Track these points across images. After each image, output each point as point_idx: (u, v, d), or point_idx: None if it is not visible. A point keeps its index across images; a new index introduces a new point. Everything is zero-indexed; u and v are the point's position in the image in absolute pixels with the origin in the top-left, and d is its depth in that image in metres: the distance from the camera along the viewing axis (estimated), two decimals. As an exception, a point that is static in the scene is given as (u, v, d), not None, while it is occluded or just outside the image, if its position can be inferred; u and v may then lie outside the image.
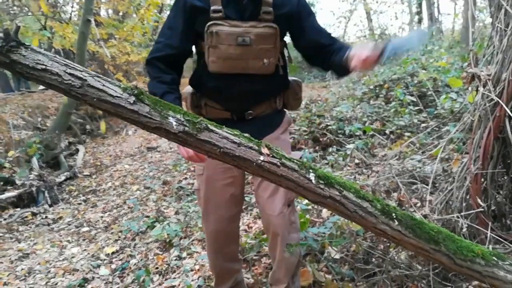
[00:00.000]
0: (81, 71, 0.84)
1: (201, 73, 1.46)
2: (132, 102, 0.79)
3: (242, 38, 1.33)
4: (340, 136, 3.72)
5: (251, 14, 1.35)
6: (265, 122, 1.52)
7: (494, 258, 1.15)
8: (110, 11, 11.49)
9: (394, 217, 1.10)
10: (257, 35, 1.34)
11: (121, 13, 10.58)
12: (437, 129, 2.76)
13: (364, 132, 3.52)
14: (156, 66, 1.42)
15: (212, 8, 1.34)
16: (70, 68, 0.83)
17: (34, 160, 5.10)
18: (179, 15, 1.41)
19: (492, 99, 1.51)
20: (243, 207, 3.01)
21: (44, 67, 0.81)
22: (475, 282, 1.44)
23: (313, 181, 1.03)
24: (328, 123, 3.95)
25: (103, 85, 0.81)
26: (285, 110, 1.62)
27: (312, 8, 1.57)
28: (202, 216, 1.65)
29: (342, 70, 1.37)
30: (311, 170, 1.03)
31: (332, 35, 1.47)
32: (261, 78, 1.41)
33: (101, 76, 0.83)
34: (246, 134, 0.99)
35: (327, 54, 1.42)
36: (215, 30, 1.32)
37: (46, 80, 0.82)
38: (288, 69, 1.57)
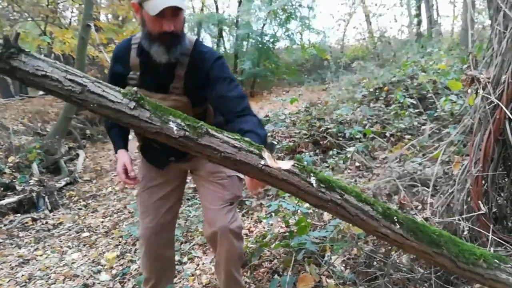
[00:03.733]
0: (81, 77, 0.84)
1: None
2: (132, 107, 0.79)
3: None
4: (341, 139, 3.72)
5: (163, 86, 1.43)
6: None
7: (496, 260, 1.15)
8: (109, 16, 11.54)
9: (396, 220, 1.10)
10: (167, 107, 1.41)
11: (120, 18, 10.61)
12: (437, 131, 2.75)
13: (365, 135, 3.53)
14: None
15: (129, 75, 1.44)
16: (70, 74, 0.83)
17: (34, 166, 5.10)
18: (109, 75, 1.55)
19: (492, 102, 1.51)
20: (244, 211, 3.02)
21: (44, 73, 0.80)
22: (477, 285, 1.43)
23: (314, 185, 1.03)
24: (328, 126, 3.95)
25: (103, 91, 0.81)
26: None
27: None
28: (140, 222, 1.71)
29: None
30: (312, 174, 1.03)
31: (239, 103, 1.40)
32: None
33: (101, 81, 0.83)
34: (247, 139, 0.99)
35: (230, 123, 1.39)
36: None
37: (46, 86, 0.82)
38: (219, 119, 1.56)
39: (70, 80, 0.82)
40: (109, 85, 0.80)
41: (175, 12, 1.30)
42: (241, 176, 1.60)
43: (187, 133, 0.84)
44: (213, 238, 1.53)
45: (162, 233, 1.67)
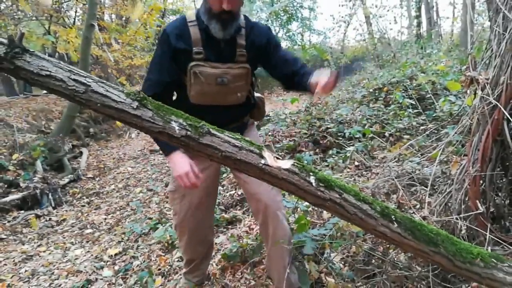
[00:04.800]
0: (85, 76, 0.86)
1: (181, 102, 1.61)
2: (135, 107, 0.81)
3: (221, 79, 1.53)
4: (340, 138, 3.74)
5: (228, 57, 1.55)
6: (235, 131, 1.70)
7: (493, 260, 1.16)
8: (113, 16, 11.57)
9: (394, 219, 1.11)
10: (233, 75, 1.55)
11: (124, 18, 10.65)
12: (436, 131, 2.77)
13: (364, 134, 3.54)
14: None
15: (194, 50, 1.51)
16: (74, 74, 0.84)
17: (38, 163, 5.14)
18: (165, 55, 1.56)
19: (490, 102, 1.52)
20: (245, 209, 3.04)
21: (48, 73, 0.82)
22: (474, 284, 1.45)
23: (314, 184, 1.04)
24: (328, 126, 3.97)
25: (107, 91, 0.83)
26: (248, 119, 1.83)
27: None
28: (178, 216, 1.80)
29: (307, 93, 1.56)
30: (311, 173, 1.05)
31: (297, 60, 1.63)
32: (235, 107, 1.64)
33: (104, 81, 0.85)
34: (248, 138, 1.01)
35: (295, 79, 1.59)
36: (198, 71, 1.51)
37: (51, 86, 0.84)
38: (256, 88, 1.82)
39: (74, 80, 0.83)
40: (112, 85, 0.82)
41: None
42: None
43: (188, 132, 0.86)
44: (265, 212, 1.64)
45: (204, 219, 1.80)
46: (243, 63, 1.56)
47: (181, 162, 1.51)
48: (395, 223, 1.11)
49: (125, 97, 0.81)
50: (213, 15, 1.45)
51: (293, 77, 1.58)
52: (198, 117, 1.62)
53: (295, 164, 1.04)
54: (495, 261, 1.15)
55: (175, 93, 1.68)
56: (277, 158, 1.02)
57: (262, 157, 0.99)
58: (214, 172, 1.77)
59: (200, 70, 1.51)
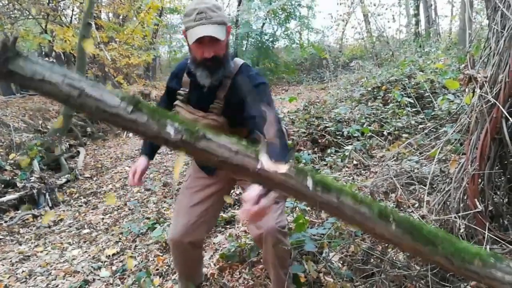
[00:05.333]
0: (80, 80, 0.84)
1: None
2: (130, 111, 0.80)
3: None
4: (339, 137, 3.74)
5: (206, 105, 1.55)
6: None
7: (491, 258, 1.15)
8: (110, 15, 11.52)
9: (392, 220, 1.11)
10: (204, 125, 1.44)
11: (121, 17, 10.60)
12: (434, 130, 2.77)
13: (362, 133, 3.54)
14: None
15: (179, 90, 1.59)
16: (68, 78, 0.83)
17: (35, 163, 5.12)
18: (165, 90, 1.74)
19: (488, 101, 1.52)
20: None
21: (41, 77, 0.80)
22: (473, 283, 1.45)
23: (310, 188, 1.04)
24: (327, 125, 3.97)
25: (101, 95, 0.82)
26: None
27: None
28: (175, 222, 1.76)
29: None
30: (308, 176, 1.04)
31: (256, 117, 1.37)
32: None
33: (99, 85, 0.84)
34: (244, 142, 1.00)
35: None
36: (177, 110, 1.59)
37: (44, 90, 0.82)
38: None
39: (68, 84, 0.82)
40: (107, 89, 0.81)
41: (213, 38, 1.38)
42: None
43: (184, 137, 0.85)
44: (260, 239, 1.57)
45: (191, 236, 1.70)
46: (216, 115, 1.53)
47: (137, 164, 1.72)
48: (393, 224, 1.10)
49: (120, 101, 0.80)
50: (198, 63, 1.46)
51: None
52: None
53: (292, 168, 1.03)
54: (493, 260, 1.14)
55: None
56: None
57: (258, 161, 0.98)
58: (218, 192, 1.71)
59: (179, 110, 1.58)
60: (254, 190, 1.05)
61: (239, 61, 1.57)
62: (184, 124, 0.83)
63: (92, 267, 2.67)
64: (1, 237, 3.60)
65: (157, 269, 2.43)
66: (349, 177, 2.81)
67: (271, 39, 12.68)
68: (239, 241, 2.40)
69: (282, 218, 1.60)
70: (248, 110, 1.44)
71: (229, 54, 1.51)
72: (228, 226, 2.81)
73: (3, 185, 4.49)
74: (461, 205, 1.62)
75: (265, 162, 0.94)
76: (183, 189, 1.79)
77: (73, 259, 2.90)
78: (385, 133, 3.50)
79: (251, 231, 1.68)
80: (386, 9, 14.67)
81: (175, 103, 1.60)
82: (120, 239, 3.13)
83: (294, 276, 1.80)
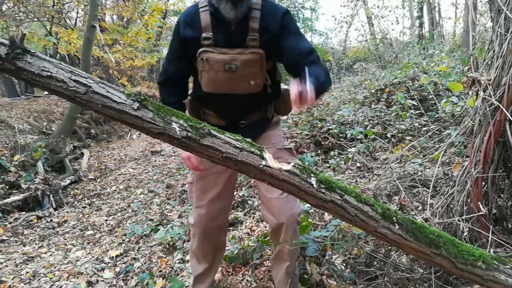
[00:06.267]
0: (86, 77, 0.85)
1: (198, 90, 1.58)
2: (136, 108, 0.81)
3: (228, 65, 1.44)
4: (342, 139, 3.74)
5: (239, 41, 1.45)
6: (256, 127, 1.64)
7: (495, 262, 1.15)
8: (114, 17, 11.60)
9: (395, 221, 1.11)
10: (243, 61, 1.45)
11: (125, 19, 10.68)
12: (438, 132, 2.76)
13: (366, 135, 3.54)
14: (162, 89, 1.65)
15: (202, 35, 1.45)
16: (75, 75, 0.84)
17: (40, 164, 5.14)
18: (174, 44, 1.56)
19: (492, 103, 1.52)
20: (246, 210, 3.04)
21: (49, 74, 0.82)
22: (476, 286, 1.44)
23: (315, 186, 1.04)
24: (330, 127, 3.96)
25: (108, 92, 0.83)
26: (274, 114, 1.71)
27: (299, 26, 1.64)
28: (194, 210, 1.73)
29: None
30: (312, 175, 1.05)
31: (306, 53, 1.46)
32: (250, 96, 1.52)
33: (105, 82, 0.85)
34: (248, 139, 1.01)
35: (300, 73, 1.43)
36: (205, 57, 1.45)
37: (52, 87, 0.84)
38: (279, 79, 1.67)
39: (75, 81, 0.83)
40: (113, 86, 0.82)
41: None
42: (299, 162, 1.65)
43: (189, 133, 0.86)
44: (279, 229, 1.57)
45: (217, 220, 1.70)
46: (255, 48, 1.45)
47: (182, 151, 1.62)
48: (396, 225, 1.10)
49: (126, 98, 0.81)
50: None
51: (296, 69, 1.42)
52: (213, 105, 1.60)
53: (296, 165, 1.03)
54: (497, 263, 1.14)
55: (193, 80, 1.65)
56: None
57: (263, 158, 0.99)
58: (232, 174, 1.69)
59: (208, 56, 1.45)
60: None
61: None
62: (190, 120, 0.84)
63: (95, 268, 2.67)
64: (6, 238, 3.62)
65: (160, 271, 2.43)
66: (352, 179, 2.81)
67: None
68: (242, 243, 2.40)
69: (298, 204, 1.62)
70: (288, 42, 1.45)
71: None
72: (231, 228, 2.81)
73: (7, 187, 4.52)
74: (465, 208, 1.61)
75: (270, 160, 0.94)
76: (197, 178, 1.71)
77: (77, 260, 2.90)
78: (388, 135, 3.49)
79: (270, 222, 1.63)
80: (390, 11, 14.66)
81: (199, 50, 1.45)
82: (123, 240, 3.14)
83: (300, 277, 1.81)
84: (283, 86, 1.70)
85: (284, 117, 5.16)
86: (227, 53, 1.44)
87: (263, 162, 0.99)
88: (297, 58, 1.45)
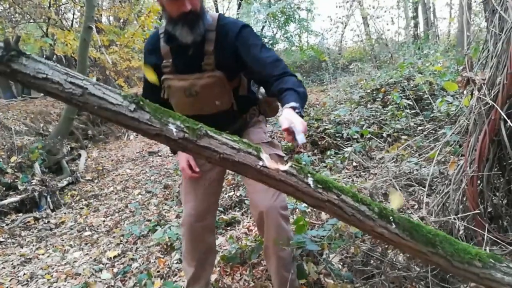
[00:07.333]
0: (82, 79, 0.85)
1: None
2: (132, 109, 0.81)
3: (189, 91, 1.46)
4: (338, 139, 3.75)
5: (196, 66, 1.45)
6: (237, 131, 1.62)
7: (491, 260, 1.16)
8: (111, 18, 11.57)
9: (391, 220, 1.12)
10: (202, 86, 1.46)
11: (122, 20, 10.65)
12: (433, 132, 2.78)
13: (362, 135, 3.55)
14: None
15: (162, 63, 1.48)
16: (70, 77, 0.84)
17: (37, 166, 5.13)
18: (145, 76, 1.55)
19: (487, 103, 1.53)
20: (244, 210, 3.04)
21: (45, 76, 0.82)
22: (473, 284, 1.45)
23: (312, 186, 1.04)
24: (326, 127, 3.98)
25: (104, 93, 0.83)
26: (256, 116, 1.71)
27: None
28: (184, 208, 1.74)
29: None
30: (309, 175, 1.05)
31: (275, 65, 1.41)
32: (221, 113, 1.53)
33: (101, 84, 0.85)
34: (245, 140, 1.01)
35: (270, 88, 1.41)
36: (167, 85, 1.49)
37: (47, 88, 0.83)
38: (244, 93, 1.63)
39: (71, 82, 0.83)
40: (110, 87, 0.82)
41: None
42: (281, 154, 1.66)
43: (186, 135, 0.86)
44: (261, 220, 1.54)
45: (204, 220, 1.70)
46: (211, 72, 1.45)
47: (180, 157, 1.65)
48: (393, 224, 1.11)
49: (122, 99, 0.81)
50: (176, 21, 1.39)
51: (268, 83, 1.42)
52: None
53: (293, 165, 1.04)
54: (493, 261, 1.15)
55: None
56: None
57: (260, 158, 0.99)
58: (218, 174, 1.72)
59: (169, 84, 1.48)
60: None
61: (214, 14, 1.51)
62: (186, 121, 0.85)
63: (93, 269, 2.67)
64: (3, 239, 3.61)
65: (158, 271, 2.43)
66: (349, 178, 2.82)
67: (271, 42, 12.71)
68: (240, 243, 2.41)
69: (282, 197, 1.56)
70: (250, 57, 1.42)
71: (204, 8, 1.45)
72: (228, 228, 2.81)
73: (4, 188, 4.50)
74: (460, 206, 1.63)
75: (267, 160, 0.95)
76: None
77: (75, 261, 2.90)
78: (384, 135, 3.51)
79: (252, 213, 1.65)
80: (385, 11, 14.69)
81: (162, 78, 1.48)
82: (121, 241, 3.13)
83: (298, 272, 1.80)
84: (262, 90, 1.70)
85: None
86: (186, 79, 1.46)
87: (260, 163, 0.99)
88: (262, 70, 1.41)
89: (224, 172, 1.80)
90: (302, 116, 1.18)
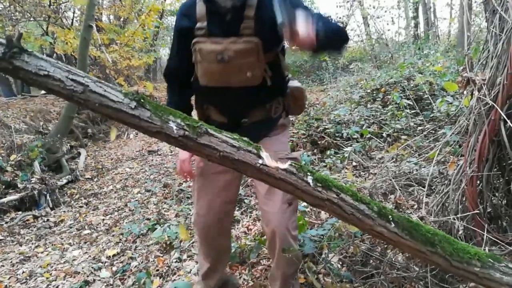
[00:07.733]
0: (83, 76, 0.86)
1: (196, 83, 1.52)
2: (133, 107, 0.81)
3: (221, 56, 1.37)
4: (338, 139, 3.76)
5: (233, 30, 1.37)
6: (259, 127, 1.55)
7: (490, 260, 1.16)
8: (111, 17, 11.57)
9: (391, 219, 1.12)
10: (236, 51, 1.37)
11: (122, 19, 10.65)
12: (433, 132, 2.79)
13: (362, 135, 3.56)
14: (168, 84, 1.65)
15: (196, 26, 1.41)
16: (72, 74, 0.84)
17: (36, 164, 5.12)
18: (174, 37, 1.53)
19: (487, 103, 1.53)
20: (243, 209, 3.04)
21: (46, 73, 0.82)
22: (472, 284, 1.45)
23: (311, 184, 1.05)
24: (326, 126, 3.98)
25: (105, 91, 0.83)
26: (281, 115, 1.61)
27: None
28: (194, 208, 1.68)
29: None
30: (309, 173, 1.05)
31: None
32: (249, 89, 1.43)
33: (102, 81, 0.85)
34: (245, 138, 1.01)
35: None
36: (198, 48, 1.40)
37: (49, 85, 0.84)
38: (287, 76, 1.59)
39: (72, 80, 0.83)
40: (111, 85, 0.82)
41: None
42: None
43: (186, 132, 0.86)
44: (272, 236, 1.47)
45: (218, 225, 1.62)
46: (249, 36, 1.36)
47: (180, 155, 1.64)
48: (392, 223, 1.11)
49: (123, 97, 0.82)
50: None
51: None
52: (213, 100, 1.53)
53: (293, 164, 1.04)
54: (492, 261, 1.15)
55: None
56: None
57: (259, 157, 0.99)
58: (236, 176, 1.61)
59: (200, 47, 1.39)
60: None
61: None
62: (187, 119, 0.85)
63: (92, 267, 2.67)
64: (2, 237, 3.61)
65: (157, 270, 2.43)
66: (349, 179, 2.82)
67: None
68: (239, 242, 2.41)
69: (294, 218, 1.51)
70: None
71: None
72: (228, 227, 2.81)
73: (4, 186, 4.49)
74: (460, 206, 1.63)
75: (267, 158, 0.95)
76: (198, 176, 1.64)
77: (74, 259, 2.90)
78: (384, 134, 3.52)
79: (264, 230, 1.57)
80: (385, 11, 14.66)
81: (193, 41, 1.41)
82: (120, 240, 3.13)
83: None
84: (292, 83, 1.63)
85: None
86: (220, 42, 1.37)
87: (260, 161, 0.99)
88: None
89: (242, 175, 1.67)
90: (317, 32, 1.09)
